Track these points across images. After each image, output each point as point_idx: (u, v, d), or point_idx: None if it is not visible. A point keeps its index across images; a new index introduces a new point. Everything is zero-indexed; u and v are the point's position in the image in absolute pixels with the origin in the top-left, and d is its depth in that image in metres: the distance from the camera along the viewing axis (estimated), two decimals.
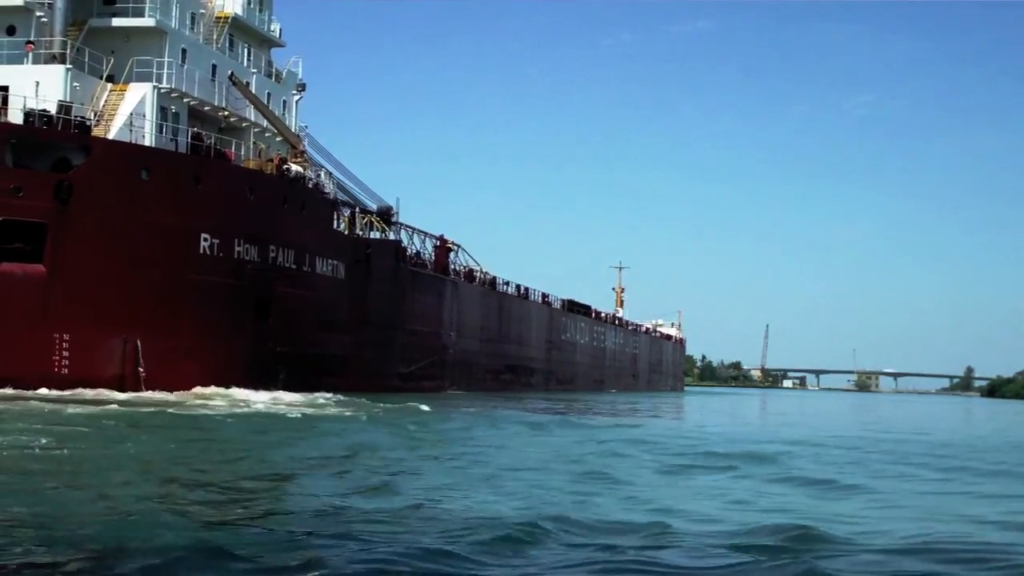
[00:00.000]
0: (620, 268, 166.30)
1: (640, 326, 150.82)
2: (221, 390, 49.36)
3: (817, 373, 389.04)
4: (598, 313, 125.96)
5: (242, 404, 44.33)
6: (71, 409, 36.44)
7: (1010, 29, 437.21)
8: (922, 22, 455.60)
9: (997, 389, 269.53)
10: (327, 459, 25.49)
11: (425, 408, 47.27)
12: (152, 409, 38.78)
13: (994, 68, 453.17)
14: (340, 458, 25.86)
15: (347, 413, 42.73)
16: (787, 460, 30.07)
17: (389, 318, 67.91)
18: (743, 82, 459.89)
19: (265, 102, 59.47)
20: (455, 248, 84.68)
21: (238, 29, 59.50)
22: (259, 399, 47.15)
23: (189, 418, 36.66)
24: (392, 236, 72.66)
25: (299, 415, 40.39)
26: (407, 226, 77.47)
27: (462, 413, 48.30)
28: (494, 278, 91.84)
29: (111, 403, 40.75)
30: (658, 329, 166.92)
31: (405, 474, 23.06)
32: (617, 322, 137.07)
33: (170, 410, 39.18)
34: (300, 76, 64.92)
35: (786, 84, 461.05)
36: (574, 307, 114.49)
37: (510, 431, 38.46)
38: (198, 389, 48.61)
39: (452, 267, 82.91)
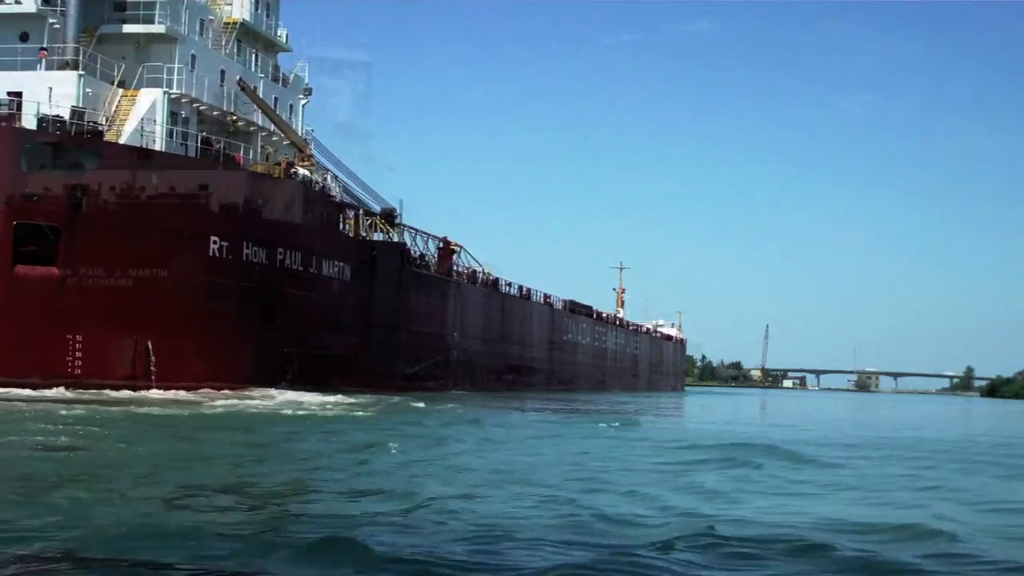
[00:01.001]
0: (621, 269, 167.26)
1: (640, 326, 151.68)
2: (270, 390, 51.06)
3: (817, 373, 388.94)
4: (599, 314, 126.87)
5: (291, 405, 45.22)
6: (109, 409, 37.47)
7: (1011, 29, 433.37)
8: (923, 22, 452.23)
9: (997, 389, 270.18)
10: (420, 461, 25.42)
11: (460, 410, 48.36)
12: (186, 411, 39.74)
13: (995, 68, 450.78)
14: (434, 460, 25.80)
15: (376, 413, 43.73)
16: (849, 461, 30.62)
17: (394, 319, 68.81)
18: (743, 82, 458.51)
19: (272, 106, 60.39)
20: (458, 250, 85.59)
21: (246, 34, 60.45)
22: (291, 399, 48.30)
23: (250, 418, 37.74)
24: (396, 238, 73.58)
25: (357, 414, 41.54)
26: (411, 227, 78.51)
27: (510, 414, 49.21)
28: (496, 279, 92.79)
29: (144, 403, 41.78)
30: (659, 329, 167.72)
31: (517, 475, 23.14)
32: (618, 322, 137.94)
33: (231, 409, 40.21)
34: (306, 81, 65.90)
35: (786, 84, 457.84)
36: (575, 308, 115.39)
37: (572, 431, 39.39)
38: (255, 390, 50.29)
39: (455, 268, 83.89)
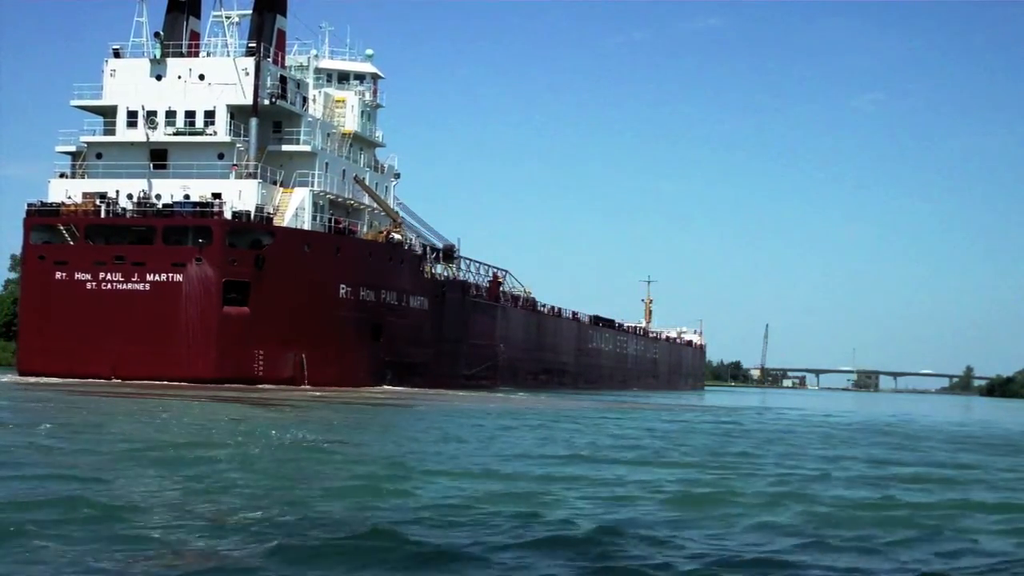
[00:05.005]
0: (649, 282, 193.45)
1: (661, 334, 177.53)
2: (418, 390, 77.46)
3: (817, 373, 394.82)
4: (621, 325, 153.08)
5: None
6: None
7: (1020, 27, 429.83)
8: (932, 19, 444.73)
9: (996, 388, 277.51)
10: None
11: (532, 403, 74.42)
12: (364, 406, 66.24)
13: (1003, 67, 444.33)
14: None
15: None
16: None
17: (457, 335, 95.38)
18: (749, 79, 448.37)
19: (374, 189, 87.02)
20: (503, 280, 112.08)
21: (356, 139, 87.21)
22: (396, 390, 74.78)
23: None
24: (455, 269, 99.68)
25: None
26: (467, 259, 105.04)
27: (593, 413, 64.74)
28: (534, 300, 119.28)
29: (348, 399, 68.40)
30: (681, 336, 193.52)
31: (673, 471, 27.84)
32: (640, 332, 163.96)
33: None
34: (396, 168, 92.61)
35: (794, 81, 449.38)
36: (600, 321, 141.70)
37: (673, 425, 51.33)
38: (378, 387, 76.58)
39: (503, 291, 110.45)
